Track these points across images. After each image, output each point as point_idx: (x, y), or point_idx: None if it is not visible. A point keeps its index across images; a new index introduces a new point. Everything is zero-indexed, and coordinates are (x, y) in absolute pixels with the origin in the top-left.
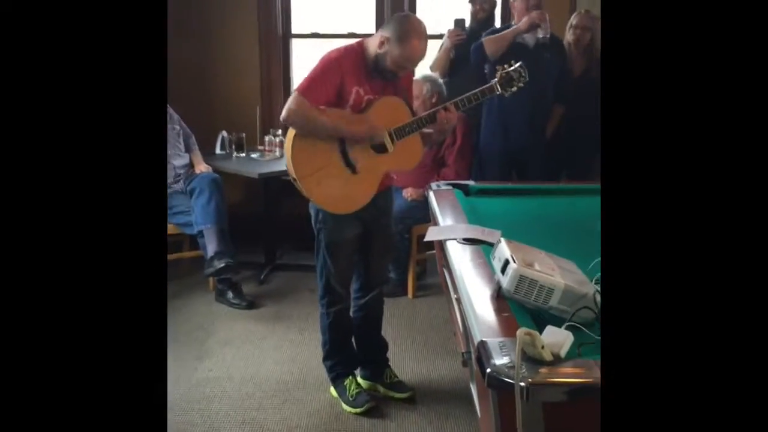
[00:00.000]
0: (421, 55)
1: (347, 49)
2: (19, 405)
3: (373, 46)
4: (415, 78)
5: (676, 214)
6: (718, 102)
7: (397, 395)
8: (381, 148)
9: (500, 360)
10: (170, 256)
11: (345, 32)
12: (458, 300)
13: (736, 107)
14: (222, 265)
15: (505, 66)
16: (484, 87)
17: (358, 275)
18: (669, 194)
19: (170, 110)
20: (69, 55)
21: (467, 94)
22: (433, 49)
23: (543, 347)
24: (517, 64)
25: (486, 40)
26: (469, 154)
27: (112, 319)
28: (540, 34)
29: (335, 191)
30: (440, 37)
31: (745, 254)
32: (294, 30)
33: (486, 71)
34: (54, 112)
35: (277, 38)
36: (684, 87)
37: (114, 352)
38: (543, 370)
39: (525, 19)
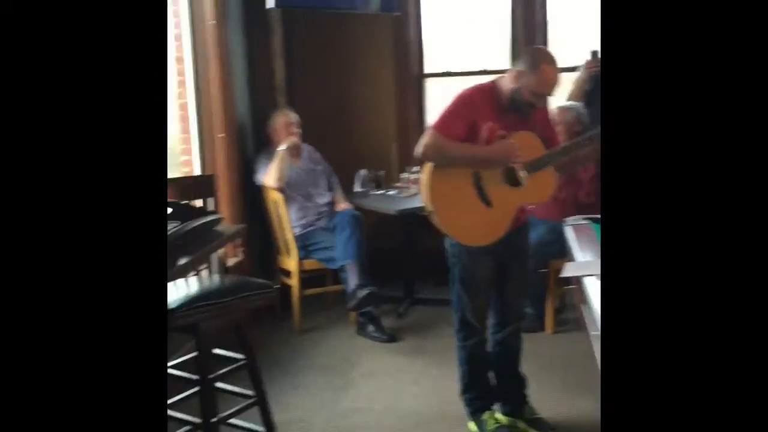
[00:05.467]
0: (554, 79)
1: (480, 87)
2: (16, 414)
3: (507, 83)
4: (558, 106)
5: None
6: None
7: None
8: (515, 182)
9: None
10: (314, 290)
11: (477, 69)
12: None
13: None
14: (365, 293)
15: None
16: None
17: (495, 311)
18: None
19: (314, 151)
20: (69, 58)
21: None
22: (569, 81)
23: None
24: None
25: None
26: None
27: (112, 333)
28: None
29: (469, 224)
30: (575, 69)
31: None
32: (427, 69)
33: None
34: (54, 116)
35: (411, 78)
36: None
37: (112, 368)
38: None
39: None
